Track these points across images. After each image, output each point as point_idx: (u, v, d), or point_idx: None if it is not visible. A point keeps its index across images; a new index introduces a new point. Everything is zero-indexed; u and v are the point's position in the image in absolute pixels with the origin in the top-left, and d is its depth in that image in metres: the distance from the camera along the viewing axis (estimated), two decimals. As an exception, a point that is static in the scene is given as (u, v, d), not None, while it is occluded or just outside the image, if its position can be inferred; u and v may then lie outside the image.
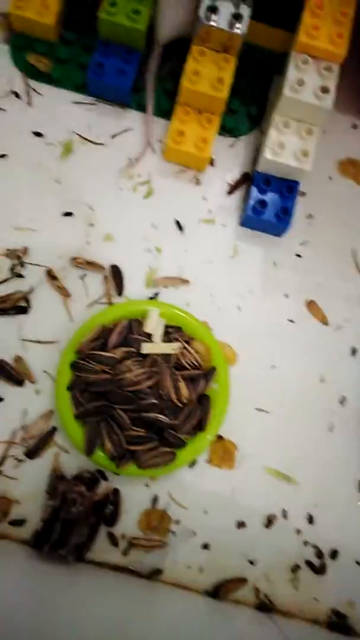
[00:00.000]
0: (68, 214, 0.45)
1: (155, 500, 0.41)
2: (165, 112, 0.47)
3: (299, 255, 0.47)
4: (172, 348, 0.40)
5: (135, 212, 0.45)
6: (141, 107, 0.47)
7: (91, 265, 0.43)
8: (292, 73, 0.42)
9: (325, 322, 0.46)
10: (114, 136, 0.46)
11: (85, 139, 0.46)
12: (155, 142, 0.47)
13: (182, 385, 0.39)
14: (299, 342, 0.45)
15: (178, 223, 0.46)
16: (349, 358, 0.45)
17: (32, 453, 0.40)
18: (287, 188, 0.45)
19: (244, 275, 0.46)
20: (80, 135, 0.46)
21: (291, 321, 0.45)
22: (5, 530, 0.39)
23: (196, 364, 0.40)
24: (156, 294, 0.44)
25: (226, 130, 0.48)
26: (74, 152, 0.46)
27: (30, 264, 0.43)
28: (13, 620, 0.31)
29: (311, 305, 0.46)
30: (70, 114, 0.46)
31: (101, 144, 0.46)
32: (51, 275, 0.43)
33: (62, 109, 0.46)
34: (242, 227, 0.46)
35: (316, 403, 0.44)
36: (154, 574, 0.39)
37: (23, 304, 0.42)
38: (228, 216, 0.46)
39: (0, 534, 0.38)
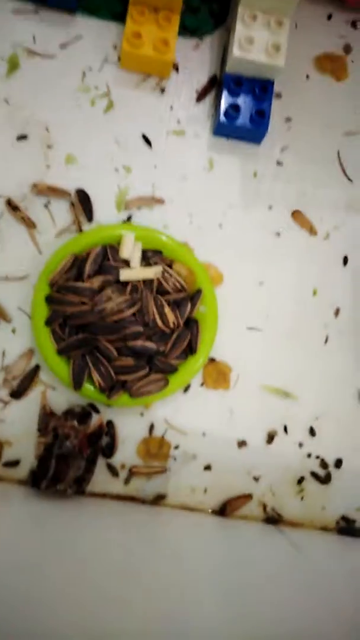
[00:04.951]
0: (22, 137, 0.41)
1: (152, 427, 0.40)
2: (118, 14, 0.43)
3: (279, 163, 0.44)
4: (152, 272, 0.38)
5: (96, 129, 0.42)
6: (89, 11, 0.42)
7: (54, 191, 0.40)
8: None
9: (313, 232, 0.43)
10: (63, 46, 0.42)
11: (32, 52, 0.42)
12: (110, 48, 0.42)
13: (168, 310, 0.37)
14: (287, 256, 0.43)
15: (145, 137, 0.42)
16: (340, 267, 0.43)
17: (17, 393, 0.38)
18: (261, 88, 0.42)
19: (222, 189, 0.43)
20: (25, 48, 0.42)
21: (277, 234, 0.43)
22: (0, 472, 0.38)
23: (180, 287, 0.38)
24: (129, 217, 0.41)
25: (188, 30, 0.43)
26: (21, 67, 0.41)
27: (-12, 195, 0.40)
28: (17, 561, 0.30)
29: (297, 215, 0.43)
30: (10, 24, 0.41)
31: (50, 55, 0.42)
32: (12, 206, 0.40)
33: (1, 19, 0.41)
34: (216, 137, 0.43)
35: (310, 317, 0.42)
36: (157, 499, 0.39)
37: (-13, 240, 0.40)
38: (199, 126, 0.43)
39: (-5, 477, 0.37)
